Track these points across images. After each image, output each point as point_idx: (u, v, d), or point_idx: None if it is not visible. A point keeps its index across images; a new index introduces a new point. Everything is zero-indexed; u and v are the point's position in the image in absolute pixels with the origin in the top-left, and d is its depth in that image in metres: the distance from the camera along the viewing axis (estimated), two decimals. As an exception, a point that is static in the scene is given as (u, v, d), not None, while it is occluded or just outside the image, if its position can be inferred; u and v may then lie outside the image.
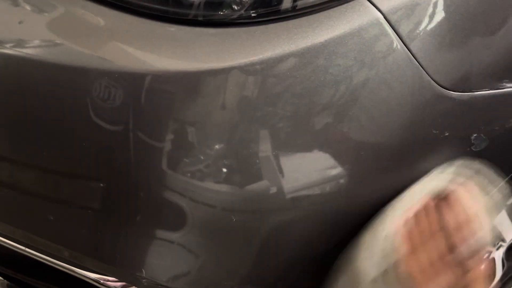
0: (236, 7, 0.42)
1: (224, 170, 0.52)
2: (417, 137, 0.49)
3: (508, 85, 0.52)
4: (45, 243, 0.58)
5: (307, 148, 0.51)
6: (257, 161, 0.50)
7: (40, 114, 0.50)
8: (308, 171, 0.53)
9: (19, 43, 0.49)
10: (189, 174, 0.52)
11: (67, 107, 0.49)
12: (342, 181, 0.53)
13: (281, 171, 0.52)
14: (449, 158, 0.53)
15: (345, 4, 0.43)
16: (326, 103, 0.45)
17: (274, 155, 0.50)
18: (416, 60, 0.46)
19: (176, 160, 0.51)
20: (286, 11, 0.42)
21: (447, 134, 0.50)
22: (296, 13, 0.42)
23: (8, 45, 0.48)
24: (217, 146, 0.51)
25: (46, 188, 0.55)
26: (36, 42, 0.49)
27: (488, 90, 0.51)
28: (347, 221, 0.59)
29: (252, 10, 0.42)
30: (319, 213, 0.57)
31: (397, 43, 0.44)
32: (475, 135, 0.52)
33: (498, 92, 0.51)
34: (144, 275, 0.52)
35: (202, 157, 0.53)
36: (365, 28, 0.43)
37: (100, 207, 0.55)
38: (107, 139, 0.51)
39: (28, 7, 0.46)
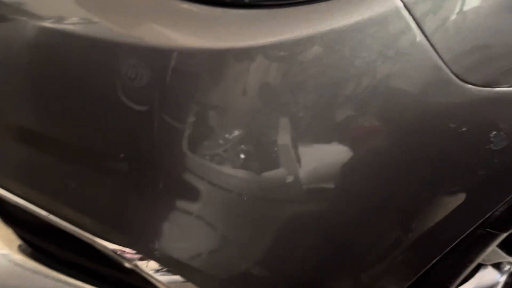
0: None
1: (242, 155, 0.53)
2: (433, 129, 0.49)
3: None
4: (68, 210, 0.60)
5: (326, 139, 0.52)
6: (275, 148, 0.51)
7: (72, 87, 0.53)
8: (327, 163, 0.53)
9: (58, 19, 0.52)
10: (207, 157, 0.54)
11: (98, 81, 0.51)
12: (358, 176, 0.54)
13: (299, 160, 0.52)
14: (466, 152, 0.53)
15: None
16: (341, 92, 0.46)
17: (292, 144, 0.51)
18: (436, 51, 0.46)
19: (195, 142, 0.53)
20: None
21: (464, 129, 0.50)
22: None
23: (48, 21, 0.51)
24: (236, 131, 0.53)
25: (72, 158, 0.58)
26: (72, 18, 0.52)
27: (510, 87, 0.50)
28: (362, 216, 0.59)
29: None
30: (336, 207, 0.57)
31: (417, 33, 0.44)
32: (494, 132, 0.52)
33: (520, 89, 0.51)
34: (157, 247, 0.54)
35: (220, 141, 0.55)
36: (385, 16, 0.43)
37: (123, 180, 0.57)
38: (133, 115, 0.53)
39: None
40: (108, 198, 0.57)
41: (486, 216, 0.62)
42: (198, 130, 0.53)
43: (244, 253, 0.60)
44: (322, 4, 0.44)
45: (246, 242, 0.59)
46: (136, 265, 0.60)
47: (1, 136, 0.60)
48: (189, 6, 0.46)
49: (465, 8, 0.47)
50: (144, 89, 0.52)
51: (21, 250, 0.78)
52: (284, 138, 0.50)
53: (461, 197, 0.58)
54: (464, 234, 0.62)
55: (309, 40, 0.43)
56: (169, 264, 0.58)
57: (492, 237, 0.74)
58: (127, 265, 0.62)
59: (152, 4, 0.50)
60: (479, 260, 0.79)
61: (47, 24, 0.50)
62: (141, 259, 0.60)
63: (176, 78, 0.51)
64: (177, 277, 0.60)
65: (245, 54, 0.45)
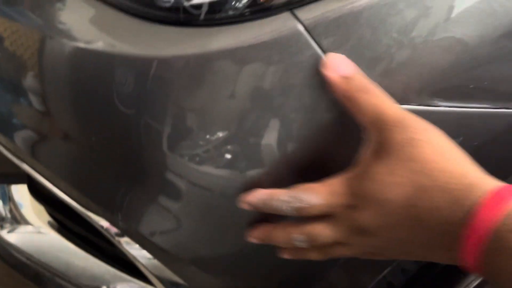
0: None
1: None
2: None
3: (441, 103, 0.56)
4: (78, 194, 0.74)
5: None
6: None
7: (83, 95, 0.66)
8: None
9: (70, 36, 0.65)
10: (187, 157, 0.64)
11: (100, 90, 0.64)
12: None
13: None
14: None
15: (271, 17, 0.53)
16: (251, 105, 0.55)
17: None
18: None
19: (175, 142, 0.63)
20: (205, 20, 0.55)
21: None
22: (218, 21, 0.54)
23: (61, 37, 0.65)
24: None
25: (79, 150, 0.71)
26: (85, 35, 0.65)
27: (417, 106, 0.55)
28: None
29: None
30: None
31: (318, 52, 0.53)
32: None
33: (429, 109, 0.55)
34: (120, 218, 0.66)
35: (201, 142, 0.65)
36: (286, 36, 0.52)
37: (118, 171, 0.69)
38: (124, 115, 0.65)
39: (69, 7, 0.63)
40: (103, 184, 0.70)
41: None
42: (177, 131, 0.64)
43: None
44: (235, 26, 0.54)
45: (207, 229, 0.69)
46: (116, 240, 0.72)
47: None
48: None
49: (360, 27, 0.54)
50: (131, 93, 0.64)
51: (51, 225, 0.94)
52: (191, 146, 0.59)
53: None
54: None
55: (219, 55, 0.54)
56: (137, 239, 0.69)
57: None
58: (112, 239, 0.74)
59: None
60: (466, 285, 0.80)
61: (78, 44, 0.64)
62: (117, 234, 0.71)
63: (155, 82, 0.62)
64: (145, 253, 0.71)
65: (166, 63, 0.56)
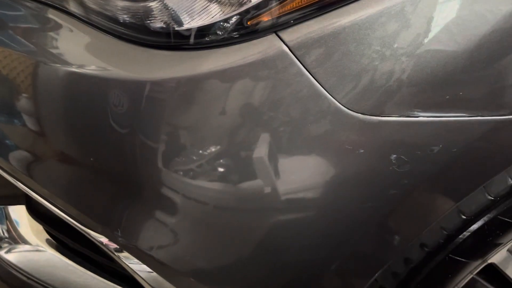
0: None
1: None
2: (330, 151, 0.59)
3: (421, 114, 0.59)
4: (75, 211, 0.76)
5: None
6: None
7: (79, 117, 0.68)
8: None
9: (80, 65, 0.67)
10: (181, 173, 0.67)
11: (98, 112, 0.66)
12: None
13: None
14: (370, 174, 0.61)
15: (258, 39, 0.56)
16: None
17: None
18: (321, 85, 0.57)
19: (169, 159, 0.66)
20: (195, 43, 0.58)
21: (362, 151, 0.59)
22: (208, 45, 0.57)
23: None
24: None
25: (77, 170, 0.73)
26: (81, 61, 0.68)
27: (398, 117, 0.59)
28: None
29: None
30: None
31: (302, 71, 0.56)
32: (394, 156, 0.60)
33: (409, 119, 0.59)
34: (120, 234, 0.68)
35: (194, 158, 0.68)
36: (272, 56, 0.56)
37: (115, 188, 0.72)
38: (119, 135, 0.67)
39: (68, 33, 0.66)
40: (103, 202, 0.72)
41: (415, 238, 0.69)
42: (171, 148, 0.67)
43: (201, 252, 0.72)
44: (224, 48, 0.57)
45: (204, 242, 0.71)
46: (116, 255, 0.75)
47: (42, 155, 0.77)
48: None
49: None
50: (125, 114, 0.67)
51: (48, 243, 0.96)
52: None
53: (382, 214, 0.66)
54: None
55: (209, 76, 0.57)
56: (137, 254, 0.71)
57: (459, 264, 0.78)
58: (112, 255, 0.76)
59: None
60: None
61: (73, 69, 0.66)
62: (117, 250, 0.74)
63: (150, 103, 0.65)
64: (146, 268, 0.74)
65: (159, 85, 0.59)
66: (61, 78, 0.63)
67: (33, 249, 1.02)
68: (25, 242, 1.02)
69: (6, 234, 1.05)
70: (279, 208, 0.66)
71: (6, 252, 1.03)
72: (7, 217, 1.03)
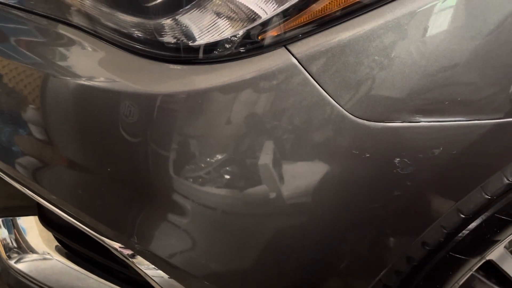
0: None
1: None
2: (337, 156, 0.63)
3: (422, 119, 0.63)
4: (89, 219, 0.79)
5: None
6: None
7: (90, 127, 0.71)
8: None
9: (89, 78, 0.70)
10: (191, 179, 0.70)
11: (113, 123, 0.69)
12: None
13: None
14: (376, 177, 0.65)
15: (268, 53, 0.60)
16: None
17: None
18: (329, 94, 0.60)
19: (180, 166, 0.68)
20: (204, 58, 0.61)
21: (367, 155, 0.63)
22: (218, 59, 0.61)
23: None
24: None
25: (90, 179, 0.76)
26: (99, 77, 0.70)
27: (401, 123, 0.62)
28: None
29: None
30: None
31: (310, 81, 0.59)
32: (397, 159, 0.63)
33: (411, 125, 0.62)
34: (137, 241, 0.71)
35: (203, 165, 0.71)
36: (282, 68, 0.59)
37: (130, 196, 0.75)
38: (133, 144, 0.70)
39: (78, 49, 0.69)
40: (112, 205, 0.75)
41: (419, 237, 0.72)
42: (182, 156, 0.70)
43: (213, 255, 0.75)
44: (236, 62, 0.61)
45: (215, 246, 0.74)
46: (130, 261, 0.77)
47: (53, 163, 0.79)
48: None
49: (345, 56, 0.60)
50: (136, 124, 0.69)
51: (58, 250, 0.98)
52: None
53: (387, 214, 0.69)
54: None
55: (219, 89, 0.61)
56: (153, 260, 0.74)
57: (459, 262, 0.81)
58: (126, 260, 0.79)
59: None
60: (452, 285, 0.86)
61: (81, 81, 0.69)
62: (131, 255, 0.76)
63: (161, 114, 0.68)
64: (161, 273, 0.76)
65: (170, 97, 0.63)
66: (80, 92, 0.66)
67: (41, 258, 1.04)
68: (33, 251, 1.04)
69: (15, 244, 1.06)
70: (285, 212, 0.69)
71: (16, 262, 1.04)
72: (15, 226, 1.05)
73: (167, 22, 0.63)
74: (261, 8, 0.60)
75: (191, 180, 0.68)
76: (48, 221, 0.93)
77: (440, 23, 0.61)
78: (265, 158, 0.65)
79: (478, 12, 0.60)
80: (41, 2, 0.71)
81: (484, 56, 0.61)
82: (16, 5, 0.73)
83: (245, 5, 0.60)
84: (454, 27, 0.61)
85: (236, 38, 0.61)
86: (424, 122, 0.62)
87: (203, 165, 0.67)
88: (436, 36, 0.61)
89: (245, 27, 0.60)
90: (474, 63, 0.61)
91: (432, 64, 0.60)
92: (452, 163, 0.64)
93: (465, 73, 0.61)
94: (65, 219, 0.77)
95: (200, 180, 0.68)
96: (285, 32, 0.60)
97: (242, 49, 0.61)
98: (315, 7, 0.60)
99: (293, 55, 0.59)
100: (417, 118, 0.61)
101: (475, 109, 0.63)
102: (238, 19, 0.60)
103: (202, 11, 0.62)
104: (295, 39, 0.60)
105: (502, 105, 0.63)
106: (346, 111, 0.60)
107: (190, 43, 0.63)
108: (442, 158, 0.64)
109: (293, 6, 0.60)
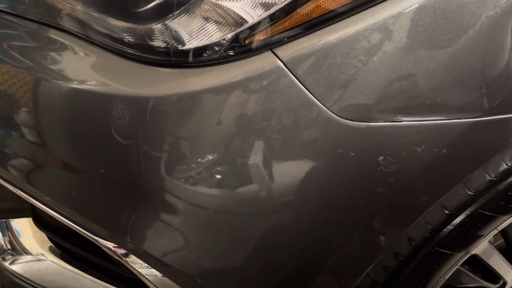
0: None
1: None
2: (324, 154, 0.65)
3: (404, 118, 0.65)
4: (83, 219, 0.80)
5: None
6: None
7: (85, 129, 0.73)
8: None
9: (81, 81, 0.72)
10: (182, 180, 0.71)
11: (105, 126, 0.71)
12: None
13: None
14: (360, 174, 0.67)
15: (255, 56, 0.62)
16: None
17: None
18: (313, 95, 0.62)
19: (171, 167, 0.70)
20: (194, 61, 0.63)
21: (352, 154, 0.65)
22: (207, 63, 0.63)
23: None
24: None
25: (83, 180, 0.77)
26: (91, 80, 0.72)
27: (384, 122, 0.64)
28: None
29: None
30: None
31: (295, 82, 0.62)
32: (381, 157, 0.65)
33: (394, 124, 0.65)
34: (130, 241, 0.73)
35: (194, 165, 0.72)
36: (269, 71, 0.61)
37: (122, 196, 0.76)
38: (125, 146, 0.71)
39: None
40: (105, 206, 0.76)
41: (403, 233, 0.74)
42: (173, 157, 0.71)
43: (205, 253, 0.76)
44: (224, 65, 0.63)
45: (207, 244, 0.76)
46: (124, 260, 0.79)
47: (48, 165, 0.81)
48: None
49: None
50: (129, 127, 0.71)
51: (52, 251, 0.99)
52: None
53: (372, 211, 0.71)
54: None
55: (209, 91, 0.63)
56: (146, 259, 0.76)
57: (444, 256, 0.84)
58: (120, 260, 0.80)
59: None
60: (439, 279, 0.88)
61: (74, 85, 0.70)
62: (125, 255, 0.78)
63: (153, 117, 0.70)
64: (155, 271, 0.78)
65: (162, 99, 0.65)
66: (72, 95, 0.68)
67: (35, 259, 1.05)
68: (27, 252, 1.05)
69: (8, 246, 1.07)
70: (275, 210, 0.71)
71: (10, 264, 1.05)
72: (8, 227, 1.06)
73: (157, 27, 0.64)
74: (248, 13, 0.62)
75: (183, 180, 0.70)
76: (42, 222, 0.94)
77: (418, 28, 0.63)
78: (255, 158, 0.67)
79: (456, 16, 0.62)
80: (33, 7, 0.72)
81: (462, 58, 0.63)
82: (8, 10, 0.74)
83: (232, 10, 0.62)
84: (433, 30, 0.63)
85: (224, 42, 0.63)
86: (406, 121, 0.64)
87: (194, 166, 0.69)
88: (414, 40, 0.63)
89: (233, 31, 0.62)
90: (452, 65, 0.64)
91: (412, 66, 0.63)
92: (434, 160, 0.67)
93: (444, 75, 0.64)
94: (59, 220, 0.79)
95: (192, 180, 0.70)
96: (271, 36, 0.62)
97: (230, 53, 0.63)
98: (300, 12, 0.62)
99: (279, 58, 0.61)
100: (399, 117, 0.64)
101: (455, 108, 0.65)
102: (226, 23, 0.62)
103: (191, 16, 0.64)
104: (281, 42, 0.62)
105: (480, 104, 0.65)
106: (331, 112, 0.62)
107: (180, 47, 0.64)
108: (425, 155, 0.66)
109: (279, 11, 0.62)
